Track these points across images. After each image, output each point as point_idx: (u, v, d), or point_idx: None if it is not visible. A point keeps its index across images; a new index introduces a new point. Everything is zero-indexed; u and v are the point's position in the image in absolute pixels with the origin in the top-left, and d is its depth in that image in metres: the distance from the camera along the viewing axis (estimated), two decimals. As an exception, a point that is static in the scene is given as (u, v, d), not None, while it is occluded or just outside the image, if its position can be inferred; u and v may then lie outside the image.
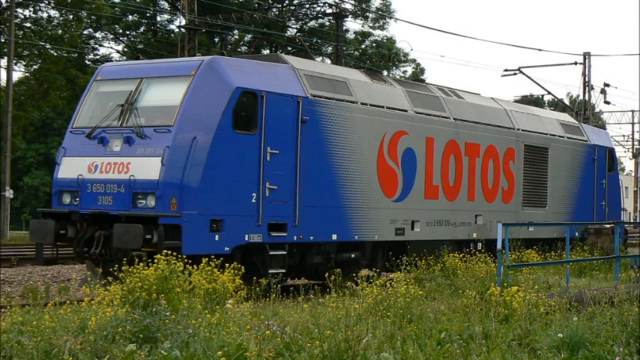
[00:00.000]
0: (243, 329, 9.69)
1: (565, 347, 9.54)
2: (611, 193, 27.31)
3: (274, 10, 55.01)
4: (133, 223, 14.35)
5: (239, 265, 13.40)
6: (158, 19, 56.71)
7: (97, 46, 55.80)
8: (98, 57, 55.39)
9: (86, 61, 53.77)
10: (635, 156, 72.85)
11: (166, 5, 57.65)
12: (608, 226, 23.86)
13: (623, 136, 74.68)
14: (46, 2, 44.72)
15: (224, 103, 15.29)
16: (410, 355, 8.96)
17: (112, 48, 68.80)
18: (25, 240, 33.49)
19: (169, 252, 11.91)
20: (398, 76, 60.06)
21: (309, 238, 16.74)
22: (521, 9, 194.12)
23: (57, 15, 45.48)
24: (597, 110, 62.59)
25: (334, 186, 17.34)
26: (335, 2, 45.06)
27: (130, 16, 56.06)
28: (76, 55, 50.02)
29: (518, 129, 23.21)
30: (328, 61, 54.13)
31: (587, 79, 47.07)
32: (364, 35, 59.86)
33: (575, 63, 46.64)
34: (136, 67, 16.69)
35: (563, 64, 47.89)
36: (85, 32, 51.80)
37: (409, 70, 63.88)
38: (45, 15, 45.32)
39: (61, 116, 58.42)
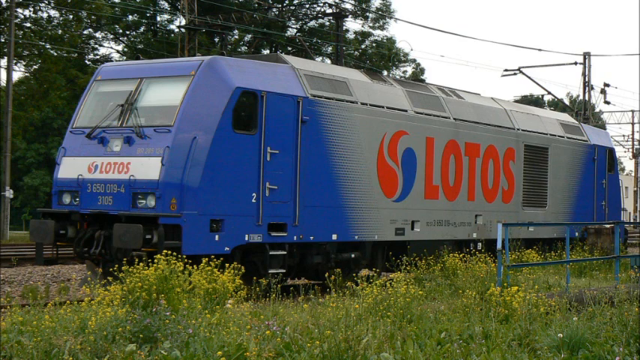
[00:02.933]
0: (243, 329, 9.69)
1: (565, 347, 9.54)
2: (611, 193, 27.31)
3: (274, 10, 54.99)
4: (133, 223, 14.35)
5: (239, 265, 13.39)
6: (158, 19, 56.71)
7: (97, 46, 55.85)
8: (98, 57, 55.44)
9: (86, 61, 53.78)
10: (635, 156, 72.85)
11: (166, 5, 57.65)
12: (608, 226, 23.85)
13: (623, 136, 74.75)
14: (46, 2, 44.74)
15: (224, 103, 15.29)
16: (410, 355, 8.96)
17: (112, 48, 68.80)
18: (25, 240, 33.49)
19: (169, 252, 11.91)
20: (398, 76, 60.05)
21: (309, 238, 16.74)
22: (521, 9, 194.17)
23: (57, 15, 45.51)
24: (597, 110, 62.59)
25: (334, 186, 17.34)
26: (335, 2, 45.07)
27: (130, 16, 56.06)
28: (76, 55, 50.01)
29: (518, 129, 23.21)
30: (328, 61, 54.14)
31: (587, 79, 47.06)
32: (364, 35, 59.88)
33: (575, 63, 46.65)
34: (135, 67, 16.68)
35: (563, 64, 47.94)
36: (85, 32, 51.79)
37: (409, 70, 63.94)
38: (45, 15, 45.38)
39: (61, 116, 58.43)
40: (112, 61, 53.35)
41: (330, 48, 55.61)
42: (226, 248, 15.19)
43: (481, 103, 22.77)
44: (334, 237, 17.33)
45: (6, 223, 36.07)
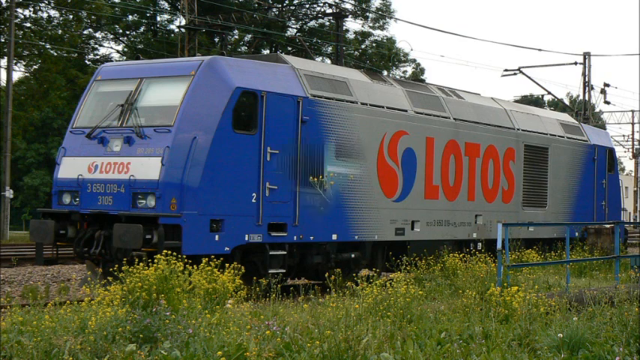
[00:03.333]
0: (243, 329, 9.69)
1: (565, 347, 9.54)
2: (611, 193, 27.31)
3: (274, 10, 54.99)
4: (133, 223, 14.35)
5: (239, 265, 13.40)
6: (158, 19, 56.70)
7: (97, 46, 55.85)
8: (98, 57, 55.44)
9: (86, 61, 53.78)
10: (635, 156, 72.85)
11: (166, 5, 57.65)
12: (608, 226, 23.85)
13: (623, 136, 74.75)
14: (46, 2, 44.74)
15: (224, 103, 15.29)
16: (410, 355, 8.96)
17: (112, 48, 68.80)
18: (25, 240, 33.49)
19: (169, 252, 11.91)
20: (398, 76, 60.03)
21: (309, 238, 16.73)
22: (521, 9, 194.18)
23: (57, 15, 45.52)
24: (597, 110, 62.59)
25: (334, 186, 17.33)
26: (335, 2, 45.08)
27: (130, 16, 56.06)
28: (76, 55, 50.01)
29: (518, 129, 23.21)
30: (328, 61, 54.14)
31: (587, 79, 47.06)
32: (364, 35, 59.87)
33: (575, 63, 46.64)
34: (135, 67, 16.68)
35: (563, 64, 47.94)
36: (85, 32, 51.79)
37: (409, 70, 63.94)
38: (45, 15, 45.39)
39: (61, 116, 58.43)
40: (112, 61, 53.36)
41: (330, 48, 55.61)
42: (226, 248, 15.19)
43: (481, 103, 22.77)
44: (334, 237, 17.32)
45: (6, 223, 36.07)
